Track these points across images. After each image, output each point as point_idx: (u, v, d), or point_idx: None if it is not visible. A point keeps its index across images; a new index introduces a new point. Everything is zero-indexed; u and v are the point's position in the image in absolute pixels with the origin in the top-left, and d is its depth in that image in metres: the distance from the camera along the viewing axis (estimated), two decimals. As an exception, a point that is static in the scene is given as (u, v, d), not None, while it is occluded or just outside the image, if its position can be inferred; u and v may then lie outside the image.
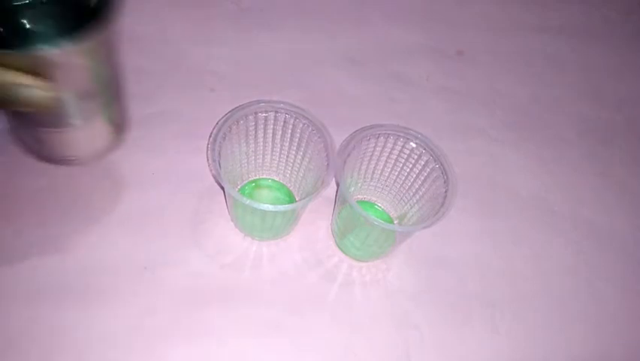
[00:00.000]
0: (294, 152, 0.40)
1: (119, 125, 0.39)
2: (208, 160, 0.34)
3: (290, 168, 0.41)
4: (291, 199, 0.41)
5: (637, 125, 0.52)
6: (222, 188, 0.36)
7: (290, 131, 0.39)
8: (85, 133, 0.36)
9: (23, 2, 0.30)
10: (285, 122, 0.38)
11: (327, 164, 0.35)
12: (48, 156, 0.38)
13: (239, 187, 0.41)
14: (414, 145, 0.37)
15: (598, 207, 0.46)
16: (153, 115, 0.43)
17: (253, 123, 0.38)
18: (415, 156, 0.38)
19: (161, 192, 0.40)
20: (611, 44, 0.57)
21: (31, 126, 0.35)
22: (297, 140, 0.39)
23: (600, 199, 0.46)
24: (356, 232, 0.38)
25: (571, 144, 0.49)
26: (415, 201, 0.39)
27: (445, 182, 0.35)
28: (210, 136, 0.35)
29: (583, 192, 0.46)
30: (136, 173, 0.40)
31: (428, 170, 0.37)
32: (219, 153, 0.34)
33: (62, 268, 0.35)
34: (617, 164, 0.49)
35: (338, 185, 0.36)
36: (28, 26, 0.32)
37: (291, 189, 0.42)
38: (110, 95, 0.36)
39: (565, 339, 0.39)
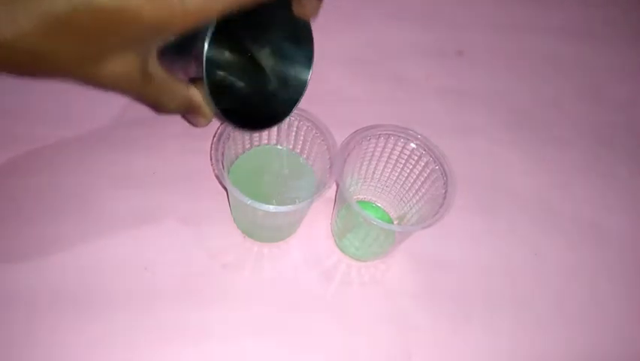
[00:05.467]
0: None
1: None
2: (211, 160, 0.34)
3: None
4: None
5: (637, 125, 0.52)
6: (225, 188, 0.36)
7: (294, 133, 0.39)
8: None
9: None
10: (288, 124, 0.38)
11: (330, 166, 0.35)
12: None
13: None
14: (414, 146, 0.37)
15: (598, 207, 0.46)
16: (153, 115, 0.43)
17: None
18: (415, 157, 0.38)
19: (161, 192, 0.40)
20: (611, 44, 0.57)
21: None
22: (300, 142, 0.39)
23: (600, 199, 0.46)
24: (355, 231, 0.38)
25: (571, 144, 0.49)
26: (414, 201, 0.39)
27: (444, 183, 0.35)
28: (214, 136, 0.35)
29: (583, 192, 0.46)
30: (136, 173, 0.40)
31: (428, 171, 0.37)
32: (223, 154, 0.34)
33: (62, 268, 0.35)
34: (617, 164, 0.49)
35: (338, 185, 0.36)
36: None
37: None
38: None
39: (565, 339, 0.39)
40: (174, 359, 0.34)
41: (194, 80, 0.31)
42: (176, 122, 0.43)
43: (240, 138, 0.38)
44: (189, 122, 0.35)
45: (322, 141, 0.37)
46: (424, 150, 0.37)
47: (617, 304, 0.41)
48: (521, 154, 0.48)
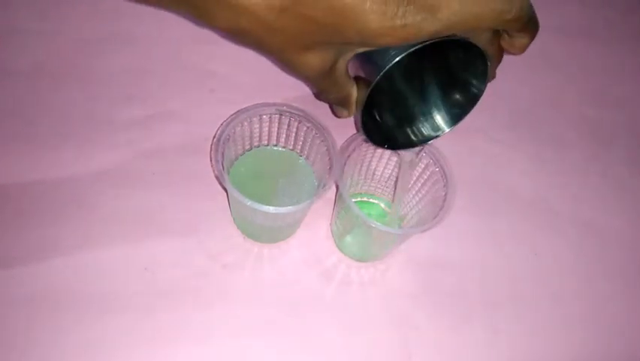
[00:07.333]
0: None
1: None
2: (211, 161, 0.34)
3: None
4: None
5: (637, 125, 0.52)
6: (225, 189, 0.36)
7: (294, 134, 0.39)
8: None
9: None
10: (288, 125, 0.38)
11: (329, 167, 0.35)
12: None
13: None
14: (414, 147, 0.37)
15: (598, 207, 0.46)
16: (153, 115, 0.43)
17: (257, 125, 0.38)
18: (415, 158, 0.38)
19: (161, 192, 0.40)
20: (611, 44, 0.57)
21: None
22: (300, 143, 0.39)
23: (600, 199, 0.46)
24: (355, 232, 0.38)
25: (571, 145, 0.49)
26: (414, 203, 0.39)
27: (444, 185, 0.35)
28: (214, 137, 0.35)
29: (583, 192, 0.46)
30: (136, 173, 0.40)
31: (428, 173, 0.37)
32: (222, 154, 0.34)
33: (62, 269, 0.35)
34: (617, 164, 0.49)
35: (338, 186, 0.36)
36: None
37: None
38: None
39: (565, 339, 0.39)
40: (174, 359, 0.34)
41: (357, 78, 0.32)
42: (176, 122, 0.43)
43: (239, 139, 0.38)
44: (332, 110, 0.36)
45: (322, 141, 0.37)
46: (424, 152, 0.37)
47: (616, 304, 0.41)
48: (521, 154, 0.48)
